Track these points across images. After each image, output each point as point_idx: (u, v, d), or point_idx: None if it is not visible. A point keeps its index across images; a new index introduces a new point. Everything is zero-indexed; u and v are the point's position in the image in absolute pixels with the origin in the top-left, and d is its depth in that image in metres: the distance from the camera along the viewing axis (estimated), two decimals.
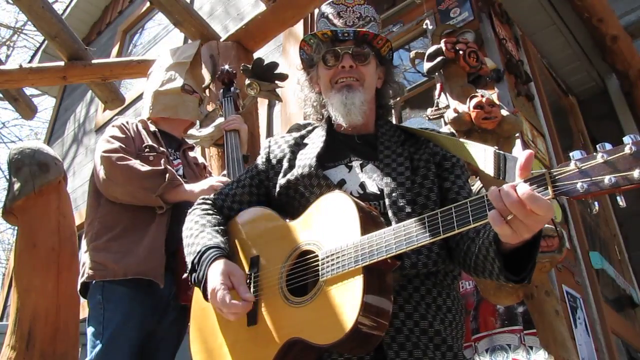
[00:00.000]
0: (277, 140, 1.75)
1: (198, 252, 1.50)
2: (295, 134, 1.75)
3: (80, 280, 2.42)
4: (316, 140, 1.67)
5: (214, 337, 1.52)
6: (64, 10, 8.32)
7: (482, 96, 2.63)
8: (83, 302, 2.52)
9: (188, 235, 1.60)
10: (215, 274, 1.43)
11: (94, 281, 2.37)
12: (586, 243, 3.68)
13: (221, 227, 1.60)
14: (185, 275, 1.58)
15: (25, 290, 2.28)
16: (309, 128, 1.79)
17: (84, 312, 2.43)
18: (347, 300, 1.24)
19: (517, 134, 2.94)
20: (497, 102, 2.65)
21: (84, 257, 2.44)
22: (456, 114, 2.63)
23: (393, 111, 1.80)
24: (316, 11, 4.59)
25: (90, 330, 2.33)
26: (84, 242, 2.50)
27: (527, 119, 3.49)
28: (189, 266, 1.53)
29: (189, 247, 1.56)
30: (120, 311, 2.30)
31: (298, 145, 1.68)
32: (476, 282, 2.44)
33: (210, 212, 1.65)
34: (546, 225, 2.15)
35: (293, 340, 1.31)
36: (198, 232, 1.56)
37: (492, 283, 2.29)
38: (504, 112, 2.62)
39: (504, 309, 2.78)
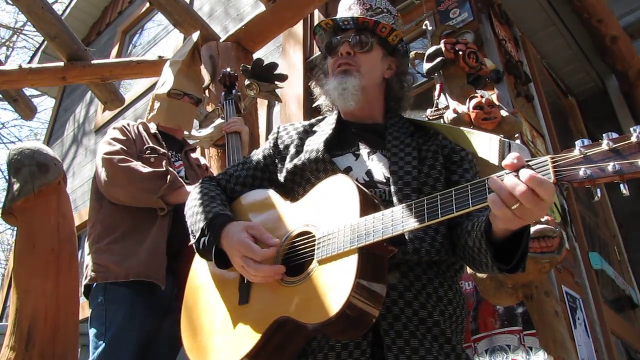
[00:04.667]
0: (286, 127, 1.76)
1: (208, 219, 1.50)
2: (305, 123, 1.77)
3: (84, 282, 2.43)
4: (325, 128, 1.68)
5: (204, 315, 1.52)
6: (64, 11, 8.31)
7: (482, 97, 2.63)
8: (83, 302, 2.52)
9: (195, 205, 1.59)
10: (232, 232, 1.44)
11: (95, 283, 2.38)
12: (586, 244, 3.68)
13: (226, 200, 1.62)
14: (190, 242, 1.56)
15: (25, 291, 2.27)
16: (319, 117, 1.80)
17: (83, 312, 2.43)
18: (339, 280, 1.23)
19: (517, 135, 2.94)
20: (496, 102, 2.64)
21: (87, 259, 2.44)
22: (456, 115, 2.63)
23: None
24: (316, 12, 4.61)
25: (92, 331, 2.33)
26: (86, 244, 2.51)
27: (526, 119, 3.49)
28: (197, 233, 1.51)
29: (196, 215, 1.55)
30: (122, 312, 2.31)
31: (307, 133, 1.70)
32: (476, 283, 2.44)
33: (217, 190, 1.66)
34: (546, 226, 2.16)
35: (282, 319, 1.31)
36: (208, 203, 1.56)
37: (491, 283, 2.29)
38: (504, 113, 2.62)
39: (503, 310, 2.78)
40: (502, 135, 1.37)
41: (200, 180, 1.72)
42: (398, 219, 1.24)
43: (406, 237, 1.39)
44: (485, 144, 1.39)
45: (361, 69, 1.66)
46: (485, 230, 1.24)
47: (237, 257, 1.40)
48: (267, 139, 1.79)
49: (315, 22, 4.69)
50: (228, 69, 3.13)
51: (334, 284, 1.24)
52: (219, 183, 1.70)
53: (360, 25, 1.69)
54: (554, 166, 1.04)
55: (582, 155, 1.01)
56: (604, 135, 1.00)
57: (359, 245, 1.25)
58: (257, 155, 1.73)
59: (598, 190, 1.02)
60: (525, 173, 1.05)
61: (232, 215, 1.56)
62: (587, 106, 5.29)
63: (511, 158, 1.09)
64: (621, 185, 0.98)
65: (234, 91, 3.05)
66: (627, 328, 3.94)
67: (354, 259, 1.25)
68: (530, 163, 1.08)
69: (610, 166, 0.97)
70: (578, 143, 1.02)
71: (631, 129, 0.98)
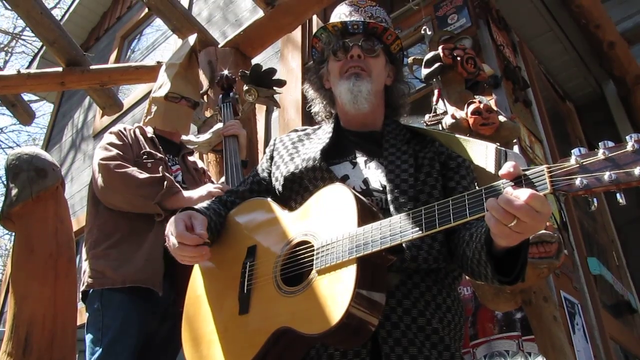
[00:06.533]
0: (282, 138, 1.78)
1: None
2: (301, 132, 1.77)
3: (81, 288, 2.42)
4: (322, 136, 1.69)
5: (205, 325, 1.52)
6: (62, 16, 8.32)
7: (480, 102, 2.63)
8: (80, 308, 2.51)
9: None
10: (177, 216, 1.50)
11: (92, 289, 2.38)
12: (584, 249, 3.68)
13: (217, 208, 1.65)
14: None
15: (22, 297, 2.26)
16: (316, 127, 1.80)
17: (81, 318, 2.42)
18: (339, 291, 1.24)
19: (515, 140, 2.95)
20: (494, 108, 2.65)
21: (84, 265, 2.44)
22: (454, 120, 2.63)
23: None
24: (314, 18, 4.62)
25: (88, 337, 2.33)
26: (84, 250, 2.50)
27: (524, 125, 3.50)
28: None
29: None
30: (119, 317, 2.30)
31: (302, 141, 1.71)
32: (474, 288, 2.44)
33: (215, 204, 1.69)
34: (544, 231, 2.16)
35: (282, 329, 1.31)
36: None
37: (490, 289, 2.29)
38: (502, 118, 2.62)
39: (502, 315, 2.78)
40: (498, 144, 1.37)
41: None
42: (396, 230, 1.24)
43: (403, 245, 1.39)
44: (481, 153, 1.39)
45: (372, 73, 1.67)
46: (485, 242, 1.24)
47: (168, 234, 1.48)
48: (265, 144, 1.81)
49: (314, 28, 4.72)
50: (225, 72, 3.12)
51: (334, 294, 1.24)
52: (220, 199, 1.74)
53: (369, 30, 1.69)
54: (550, 176, 1.04)
55: (578, 165, 1.01)
56: (600, 144, 1.00)
57: (357, 256, 1.25)
58: (256, 170, 1.76)
59: (595, 199, 1.02)
60: (522, 193, 1.04)
61: (211, 213, 1.60)
62: (585, 111, 5.30)
63: (507, 167, 1.09)
64: (618, 195, 0.98)
65: (231, 94, 3.04)
66: (626, 333, 3.94)
67: (353, 269, 1.25)
68: (526, 173, 1.08)
69: (606, 176, 0.97)
70: (574, 152, 1.02)
71: (627, 137, 0.98)
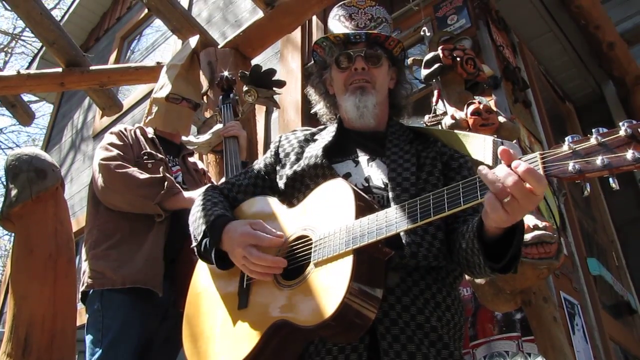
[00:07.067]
0: (287, 135, 1.77)
1: (210, 221, 1.51)
2: (307, 132, 1.77)
3: (81, 288, 2.42)
4: (326, 136, 1.69)
5: (204, 321, 1.53)
6: (62, 17, 8.32)
7: (480, 103, 2.63)
8: (80, 308, 2.51)
9: (198, 211, 1.60)
10: (235, 227, 1.46)
11: (92, 290, 2.38)
12: (584, 249, 3.68)
13: (229, 208, 1.63)
14: (192, 245, 1.57)
15: (22, 297, 2.26)
16: (321, 127, 1.81)
17: (81, 319, 2.42)
18: (335, 282, 1.24)
19: (515, 141, 2.95)
20: (494, 108, 2.65)
21: (84, 265, 2.44)
22: (454, 121, 2.63)
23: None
24: (314, 18, 4.62)
25: (88, 338, 2.33)
26: (84, 250, 2.50)
27: (524, 125, 3.50)
28: (199, 236, 1.52)
29: (199, 219, 1.56)
30: (119, 318, 2.30)
31: (307, 141, 1.71)
32: (474, 289, 2.44)
33: (219, 197, 1.67)
34: (544, 232, 2.16)
35: (279, 322, 1.31)
36: (210, 207, 1.57)
37: (490, 289, 2.28)
38: (502, 119, 2.62)
39: (501, 316, 2.78)
40: (495, 136, 1.37)
41: (204, 189, 1.73)
42: (392, 220, 1.25)
43: (403, 241, 1.40)
44: (479, 146, 1.40)
45: (376, 85, 1.67)
46: (477, 228, 1.25)
47: (239, 248, 1.41)
48: (265, 145, 1.80)
49: (314, 28, 4.72)
50: (225, 73, 3.12)
51: (330, 286, 1.25)
52: (221, 192, 1.71)
53: (372, 40, 1.69)
54: (542, 161, 1.04)
55: (570, 150, 1.01)
56: (593, 130, 1.01)
57: (354, 247, 1.26)
58: (259, 164, 1.75)
59: (588, 185, 1.02)
60: (516, 163, 1.05)
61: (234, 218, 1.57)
62: (584, 112, 5.30)
63: (507, 149, 1.10)
64: (610, 179, 0.98)
65: (231, 95, 3.04)
66: (626, 334, 3.94)
67: (349, 261, 1.25)
68: (522, 159, 1.09)
69: (598, 160, 0.97)
70: (568, 138, 1.02)
71: (620, 123, 0.98)
